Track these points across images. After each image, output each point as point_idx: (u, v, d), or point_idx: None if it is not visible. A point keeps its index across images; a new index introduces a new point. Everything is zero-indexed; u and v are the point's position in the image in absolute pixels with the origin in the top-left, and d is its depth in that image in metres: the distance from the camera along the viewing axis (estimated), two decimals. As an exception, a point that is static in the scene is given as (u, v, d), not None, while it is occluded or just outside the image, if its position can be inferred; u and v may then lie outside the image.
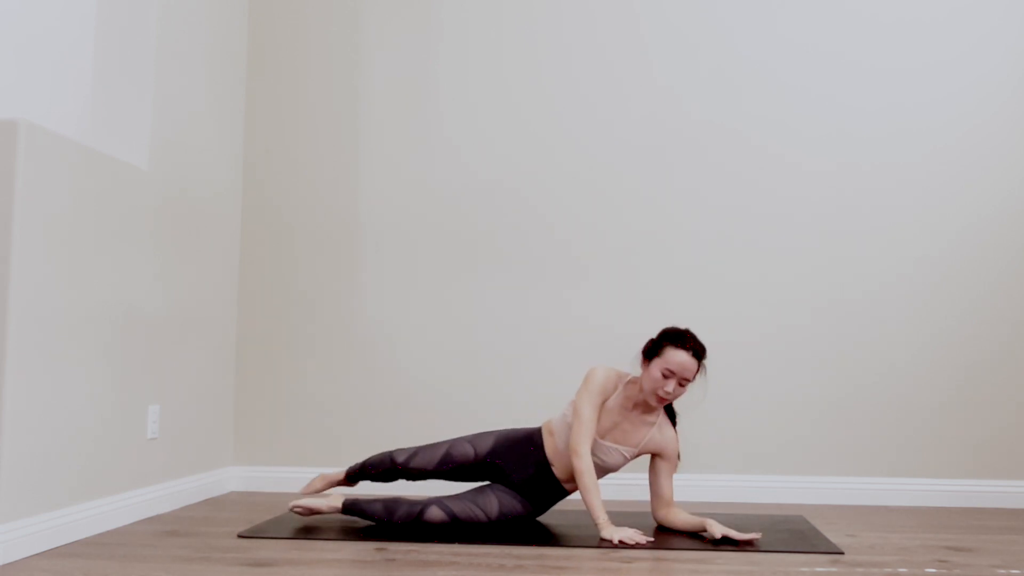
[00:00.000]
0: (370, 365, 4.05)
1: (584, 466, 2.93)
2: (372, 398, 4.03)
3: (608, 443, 3.06)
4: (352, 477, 3.30)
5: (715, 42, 4.05)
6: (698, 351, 2.95)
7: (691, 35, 4.06)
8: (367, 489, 3.82)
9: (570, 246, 4.03)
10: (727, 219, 3.98)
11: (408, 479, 3.22)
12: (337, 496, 3.18)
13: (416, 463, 3.17)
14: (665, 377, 2.93)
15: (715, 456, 3.90)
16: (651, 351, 2.99)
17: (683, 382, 2.94)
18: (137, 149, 3.37)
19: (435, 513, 3.00)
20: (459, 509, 3.02)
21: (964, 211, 3.93)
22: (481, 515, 3.03)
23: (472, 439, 3.19)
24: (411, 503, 3.06)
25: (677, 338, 2.96)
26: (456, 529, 3.03)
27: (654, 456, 3.12)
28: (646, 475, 3.65)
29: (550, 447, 3.12)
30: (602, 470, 3.12)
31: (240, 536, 2.96)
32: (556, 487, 3.14)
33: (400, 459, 3.18)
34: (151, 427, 3.36)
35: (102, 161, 3.07)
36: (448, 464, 3.15)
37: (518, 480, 3.11)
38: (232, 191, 4.07)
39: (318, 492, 3.34)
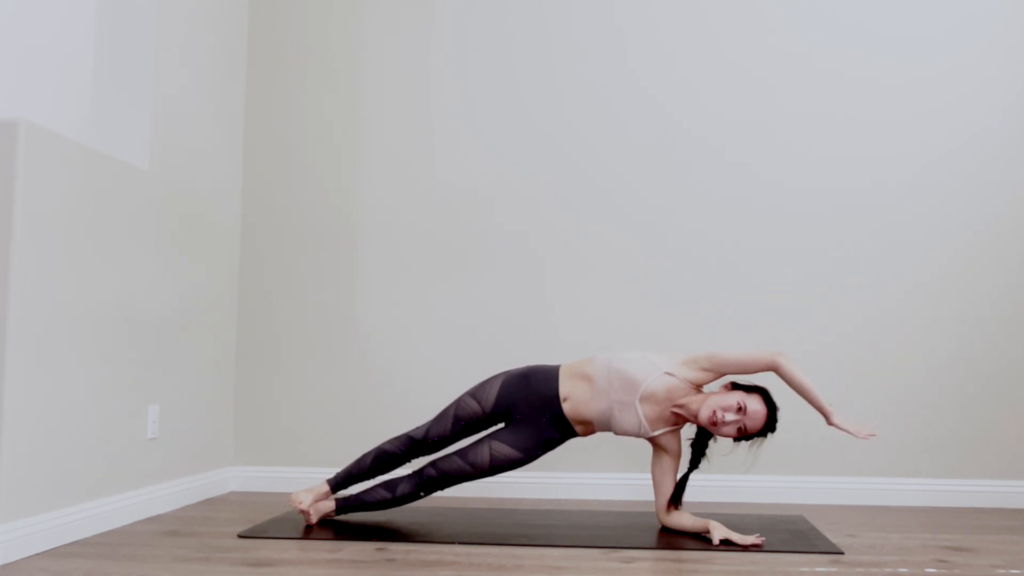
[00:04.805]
0: (370, 365, 4.05)
1: (786, 360, 2.95)
2: (372, 398, 4.03)
3: (641, 405, 3.03)
4: (345, 483, 3.21)
5: (711, 53, 4.05)
6: (771, 425, 2.97)
7: (681, 43, 4.06)
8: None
9: (572, 247, 4.03)
10: (727, 221, 3.99)
11: (430, 452, 3.21)
12: (327, 500, 3.20)
13: (434, 433, 3.17)
14: (737, 408, 2.92)
15: (715, 456, 3.89)
16: (743, 386, 3.01)
17: (742, 427, 2.94)
18: (137, 149, 3.37)
19: (431, 475, 3.11)
20: (449, 467, 3.10)
21: (965, 222, 3.94)
22: (470, 470, 3.09)
23: (475, 391, 3.18)
24: (408, 476, 3.16)
25: (769, 399, 2.98)
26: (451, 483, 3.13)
27: (660, 451, 3.12)
28: (647, 475, 3.66)
29: (568, 389, 3.08)
30: (610, 420, 3.08)
31: (240, 536, 2.97)
32: (564, 426, 3.12)
33: (419, 435, 3.18)
34: (151, 427, 3.36)
35: (102, 161, 3.07)
36: (460, 424, 3.16)
37: (526, 411, 3.10)
38: (232, 191, 4.07)
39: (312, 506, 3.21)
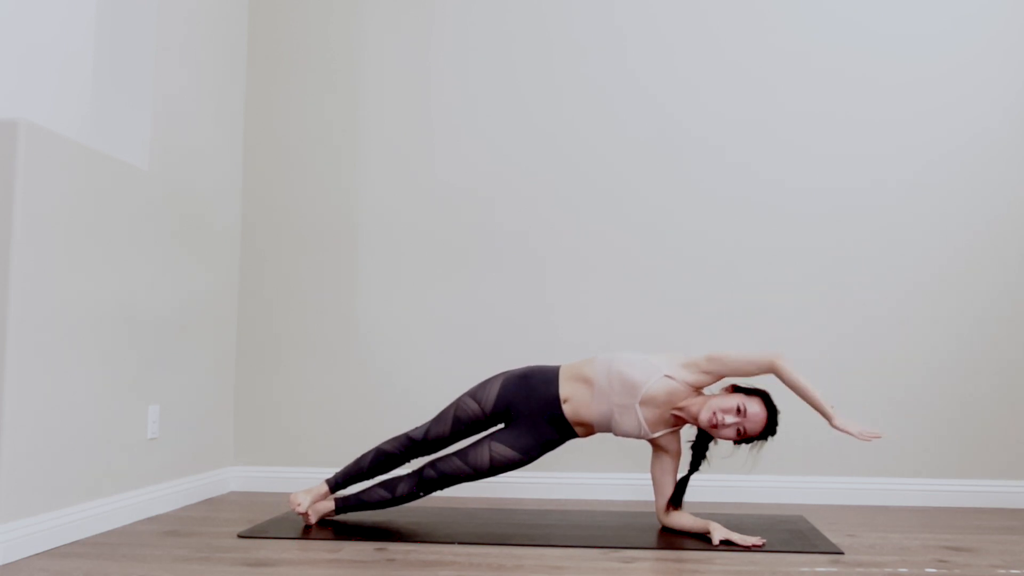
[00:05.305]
0: (370, 365, 4.05)
1: (789, 366, 2.91)
2: (372, 398, 4.03)
3: (641, 408, 3.03)
4: (344, 483, 3.21)
5: (711, 53, 4.05)
6: (771, 428, 2.96)
7: (681, 43, 4.06)
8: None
9: (572, 247, 4.03)
10: (727, 221, 3.99)
11: (430, 452, 3.21)
12: (326, 500, 3.20)
13: (434, 434, 3.17)
14: (737, 411, 2.92)
15: (715, 457, 3.89)
16: (743, 388, 3.01)
17: (741, 430, 2.94)
18: (137, 149, 3.37)
19: (430, 475, 3.11)
20: (449, 468, 3.10)
21: (965, 222, 3.94)
22: (469, 471, 3.09)
23: (475, 392, 3.17)
24: (407, 476, 3.15)
25: (769, 402, 2.98)
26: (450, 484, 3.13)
27: (660, 452, 3.12)
28: (647, 475, 3.65)
29: (569, 391, 3.08)
30: (610, 422, 3.07)
31: (240, 536, 2.97)
32: (564, 427, 3.11)
33: (418, 435, 3.18)
34: (151, 427, 3.36)
35: (102, 161, 3.07)
36: (460, 424, 3.15)
37: (526, 412, 3.10)
38: (232, 191, 4.07)
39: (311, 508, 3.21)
